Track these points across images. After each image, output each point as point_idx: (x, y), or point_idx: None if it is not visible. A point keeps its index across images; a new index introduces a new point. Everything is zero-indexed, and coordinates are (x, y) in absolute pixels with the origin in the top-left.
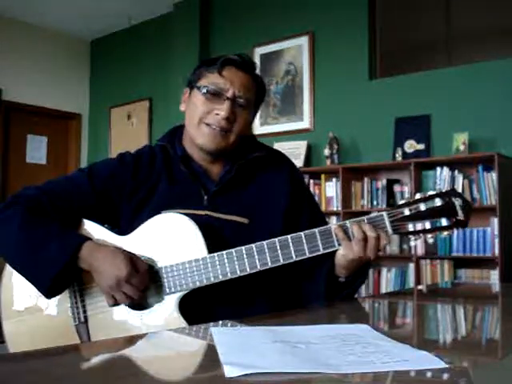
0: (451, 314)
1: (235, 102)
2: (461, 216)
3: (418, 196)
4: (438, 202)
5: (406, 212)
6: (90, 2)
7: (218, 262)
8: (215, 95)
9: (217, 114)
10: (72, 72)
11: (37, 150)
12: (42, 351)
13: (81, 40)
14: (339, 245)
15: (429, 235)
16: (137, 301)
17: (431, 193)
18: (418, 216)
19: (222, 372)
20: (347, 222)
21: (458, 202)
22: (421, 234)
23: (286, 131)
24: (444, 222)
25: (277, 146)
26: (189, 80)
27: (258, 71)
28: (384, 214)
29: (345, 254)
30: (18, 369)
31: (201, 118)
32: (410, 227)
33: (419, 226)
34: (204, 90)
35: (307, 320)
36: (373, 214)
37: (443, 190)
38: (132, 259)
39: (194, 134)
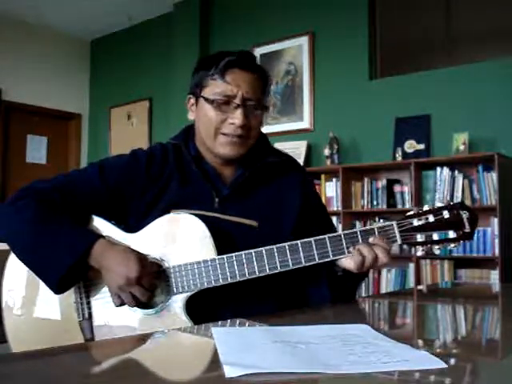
0: (451, 314)
1: (246, 106)
2: (467, 229)
3: (426, 207)
4: (446, 214)
5: (415, 223)
6: (90, 2)
7: (226, 264)
8: (224, 104)
9: (231, 124)
10: (72, 72)
11: (37, 149)
12: (42, 351)
13: (81, 40)
14: (349, 252)
15: (436, 246)
16: (144, 301)
17: (439, 205)
18: (426, 227)
19: (222, 372)
20: (357, 230)
21: (465, 215)
22: (428, 245)
23: (286, 131)
24: (451, 234)
25: (277, 146)
26: (191, 87)
27: (258, 62)
28: (394, 223)
29: (346, 265)
30: (19, 369)
31: (216, 129)
32: (418, 238)
33: (427, 238)
34: (212, 101)
35: (307, 320)
36: (383, 223)
37: (451, 203)
38: (142, 260)
39: (213, 145)
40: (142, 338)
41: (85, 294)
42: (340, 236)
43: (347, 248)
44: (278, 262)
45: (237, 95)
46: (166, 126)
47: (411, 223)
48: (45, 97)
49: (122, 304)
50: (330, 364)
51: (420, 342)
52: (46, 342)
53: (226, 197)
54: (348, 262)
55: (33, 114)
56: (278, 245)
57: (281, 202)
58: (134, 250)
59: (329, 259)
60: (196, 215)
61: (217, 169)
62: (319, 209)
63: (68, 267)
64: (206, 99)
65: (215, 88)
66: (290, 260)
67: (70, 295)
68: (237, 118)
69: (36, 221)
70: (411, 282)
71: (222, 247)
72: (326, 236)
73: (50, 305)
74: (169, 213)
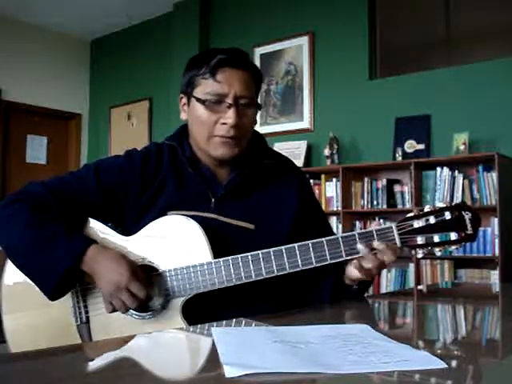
0: (451, 314)
1: (238, 105)
2: (470, 230)
3: (427, 208)
4: (447, 215)
5: (416, 225)
6: (90, 2)
7: (223, 268)
8: (216, 103)
9: (224, 124)
10: (72, 72)
11: (37, 149)
12: (42, 351)
13: (81, 40)
14: (347, 255)
15: (437, 249)
16: (137, 307)
17: (441, 205)
18: (427, 229)
19: (222, 372)
20: (355, 233)
21: (467, 215)
22: (429, 248)
23: (286, 131)
24: (453, 236)
25: (277, 146)
26: (182, 86)
27: (249, 59)
28: (393, 226)
29: (359, 276)
30: (19, 369)
31: (210, 132)
32: (419, 240)
33: (428, 240)
34: (204, 101)
35: (307, 320)
36: (382, 226)
37: (453, 204)
38: (132, 266)
39: (207, 148)
40: (141, 338)
41: (82, 298)
42: (338, 239)
43: (345, 251)
44: (274, 266)
45: (229, 94)
46: (166, 126)
47: (411, 225)
48: (45, 97)
49: (113, 310)
50: (330, 364)
51: (420, 341)
52: (45, 346)
53: (222, 197)
54: (353, 269)
55: (33, 114)
56: (274, 248)
57: (278, 204)
58: (125, 257)
59: (326, 262)
60: (192, 217)
61: (212, 170)
62: (317, 212)
63: (62, 273)
64: (198, 99)
65: (206, 87)
66: (286, 263)
67: (68, 299)
68: (229, 117)
69: (29, 226)
70: (411, 281)
71: (218, 249)
72: (323, 239)
73: (48, 309)
74: (165, 214)
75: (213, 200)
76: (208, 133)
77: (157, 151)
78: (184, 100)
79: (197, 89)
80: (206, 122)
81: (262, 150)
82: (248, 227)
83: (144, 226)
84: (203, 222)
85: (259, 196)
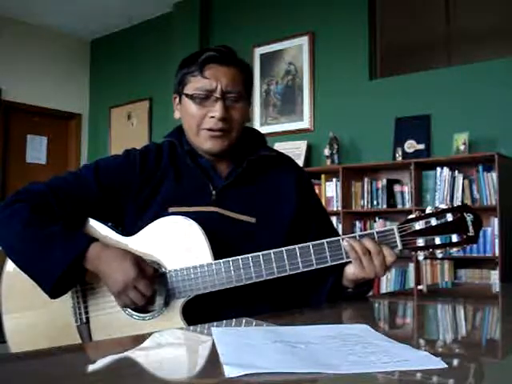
0: (451, 314)
1: (226, 99)
2: (471, 232)
3: (428, 210)
4: (449, 217)
5: (417, 227)
6: (90, 2)
7: (223, 269)
8: (205, 98)
9: (212, 117)
10: (72, 72)
11: (37, 149)
12: (42, 351)
13: (81, 40)
14: (347, 257)
15: (438, 251)
16: (142, 305)
17: (443, 206)
18: (428, 231)
19: (222, 372)
20: (356, 234)
21: (469, 217)
22: (430, 250)
23: (286, 131)
24: (455, 238)
25: (277, 146)
26: (175, 86)
27: (237, 56)
28: (394, 228)
29: (356, 272)
30: (19, 369)
31: (198, 125)
32: (420, 242)
33: (429, 242)
34: (192, 97)
35: (307, 320)
36: (383, 228)
37: (455, 205)
38: (139, 263)
39: (197, 142)
40: (142, 338)
41: (82, 299)
42: (338, 241)
43: (346, 253)
44: (275, 268)
45: (216, 89)
46: (165, 126)
47: (413, 227)
48: (45, 97)
49: (125, 305)
50: (330, 364)
51: (420, 341)
52: (45, 346)
53: (223, 188)
54: (352, 272)
55: (33, 114)
56: (274, 250)
57: (278, 198)
58: (130, 253)
59: (327, 264)
60: (193, 212)
61: (212, 162)
62: (317, 206)
63: (63, 269)
64: (187, 95)
65: (196, 84)
66: (287, 265)
67: (68, 299)
68: (216, 111)
69: (28, 226)
70: (411, 281)
71: (219, 244)
72: (324, 241)
73: (49, 309)
74: (166, 209)
75: (214, 192)
76: (197, 126)
77: (156, 150)
78: (177, 100)
79: (187, 86)
80: (196, 115)
81: (260, 144)
82: (249, 221)
83: (144, 223)
84: (204, 217)
85: (260, 188)
